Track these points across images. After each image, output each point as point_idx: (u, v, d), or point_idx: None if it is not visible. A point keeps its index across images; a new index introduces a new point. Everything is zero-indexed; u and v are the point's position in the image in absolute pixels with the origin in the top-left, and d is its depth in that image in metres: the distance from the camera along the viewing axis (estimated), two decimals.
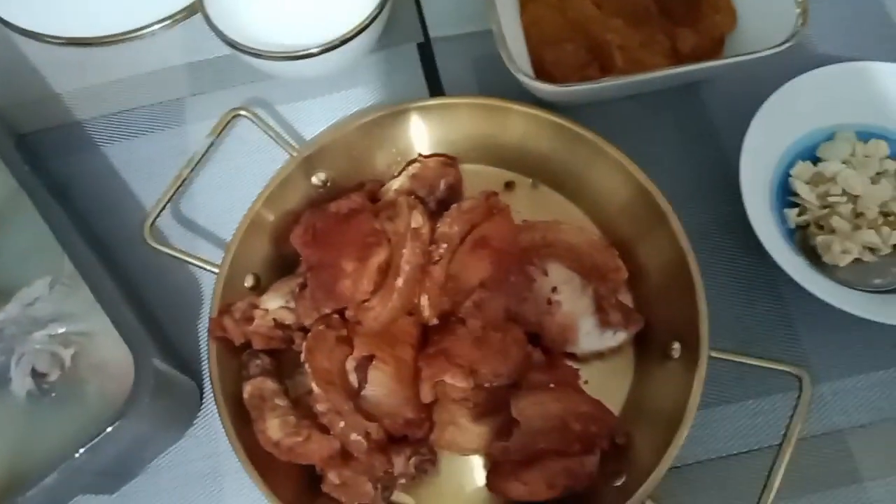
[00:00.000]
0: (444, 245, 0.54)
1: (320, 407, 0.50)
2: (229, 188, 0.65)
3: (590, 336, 0.55)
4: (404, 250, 0.52)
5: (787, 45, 0.55)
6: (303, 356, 0.51)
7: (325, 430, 0.50)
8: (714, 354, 0.51)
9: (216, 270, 0.56)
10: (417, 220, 0.54)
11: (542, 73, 0.64)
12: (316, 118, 0.67)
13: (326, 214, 0.57)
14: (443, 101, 0.62)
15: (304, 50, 0.61)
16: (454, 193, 0.60)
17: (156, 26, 0.71)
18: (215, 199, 0.65)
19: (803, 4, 0.56)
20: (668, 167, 0.63)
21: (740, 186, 0.55)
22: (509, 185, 0.63)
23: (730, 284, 0.59)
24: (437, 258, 0.53)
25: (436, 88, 0.68)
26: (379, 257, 0.53)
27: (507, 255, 0.54)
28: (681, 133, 0.65)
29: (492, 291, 0.53)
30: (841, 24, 0.68)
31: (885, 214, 0.56)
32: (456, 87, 0.68)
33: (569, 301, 0.56)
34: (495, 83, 0.62)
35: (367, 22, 0.62)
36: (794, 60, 0.63)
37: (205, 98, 0.68)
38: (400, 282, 0.52)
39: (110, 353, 0.50)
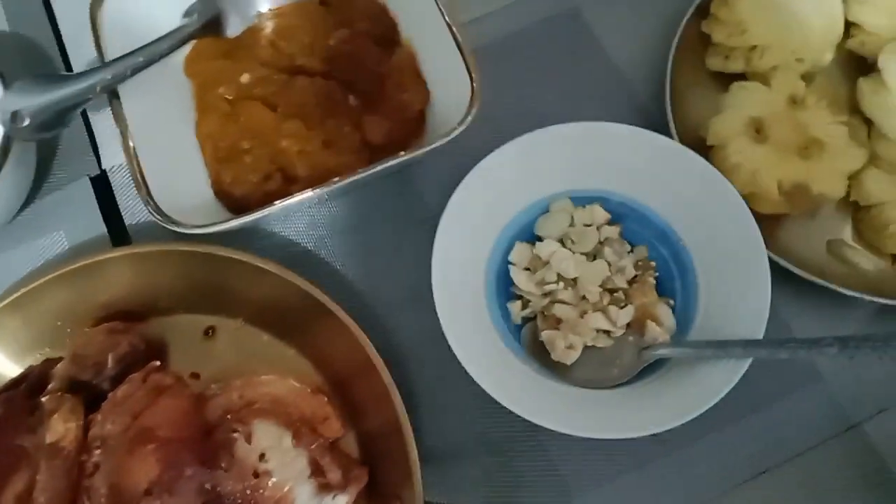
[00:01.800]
0: (99, 450, 0.44)
1: None
2: None
3: None
4: (38, 476, 0.42)
5: (454, 133, 0.49)
6: None
7: None
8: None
9: None
10: (55, 430, 0.44)
11: (223, 194, 0.55)
12: None
13: None
14: (110, 254, 0.52)
15: None
16: (135, 364, 0.50)
17: None
18: None
19: (475, 87, 0.50)
20: (384, 273, 0.56)
21: (433, 291, 0.48)
22: (210, 332, 0.54)
23: (463, 405, 0.52)
24: (91, 469, 0.44)
25: (118, 230, 0.58)
26: (16, 487, 0.43)
27: (179, 442, 0.45)
28: (398, 227, 0.57)
29: (160, 496, 0.43)
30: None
31: (611, 291, 0.50)
32: (141, 221, 0.58)
33: (280, 468, 0.47)
34: None
35: None
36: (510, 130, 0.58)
37: None
38: None
39: None
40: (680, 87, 0.57)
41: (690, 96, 0.58)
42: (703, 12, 0.60)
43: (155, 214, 0.48)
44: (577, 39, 0.63)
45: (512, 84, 0.62)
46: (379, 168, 0.50)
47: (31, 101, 0.48)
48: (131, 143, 0.50)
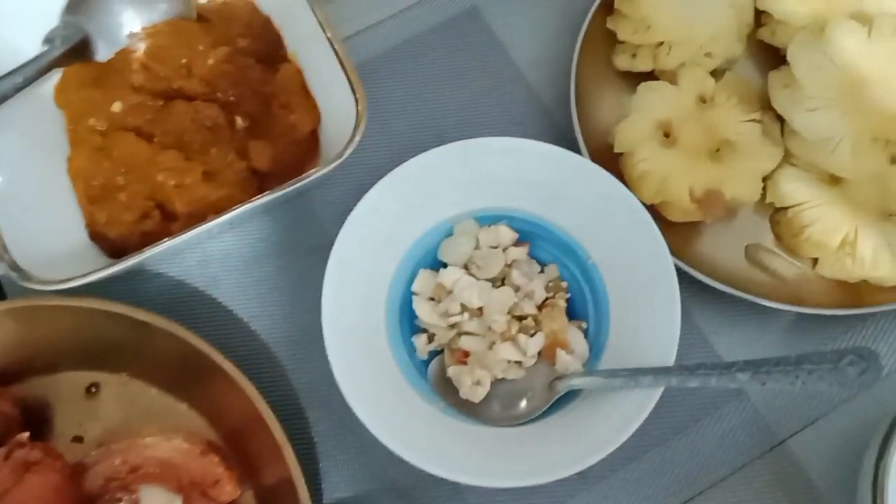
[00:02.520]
0: None
1: None
2: None
3: None
4: None
5: (341, 158, 0.45)
6: None
7: None
8: None
9: None
10: None
11: (98, 237, 0.50)
12: None
13: None
14: None
15: None
16: (9, 432, 0.46)
17: None
18: None
19: (359, 108, 0.46)
20: (282, 309, 0.52)
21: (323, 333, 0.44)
22: (93, 389, 0.49)
23: (371, 450, 0.47)
24: None
25: None
26: None
27: None
28: (296, 256, 0.53)
29: None
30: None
31: (520, 318, 0.47)
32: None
33: None
34: None
35: None
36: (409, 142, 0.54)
37: None
38: None
39: None
40: (587, 89, 0.54)
41: (598, 99, 0.55)
42: (608, 8, 0.57)
43: (9, 270, 0.43)
44: (477, 42, 0.59)
45: (412, 94, 0.58)
46: (258, 202, 0.45)
47: None
48: None
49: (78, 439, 0.48)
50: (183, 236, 0.45)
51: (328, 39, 0.48)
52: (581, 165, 0.47)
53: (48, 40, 0.53)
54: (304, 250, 0.53)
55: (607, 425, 0.41)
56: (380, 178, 0.47)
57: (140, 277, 0.52)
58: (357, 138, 0.46)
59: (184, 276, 0.53)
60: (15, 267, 0.43)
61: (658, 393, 0.41)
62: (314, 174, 0.46)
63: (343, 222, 0.53)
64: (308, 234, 0.54)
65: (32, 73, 0.50)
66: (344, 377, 0.43)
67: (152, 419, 0.48)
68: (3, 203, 0.47)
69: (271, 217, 0.54)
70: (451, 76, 0.58)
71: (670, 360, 0.42)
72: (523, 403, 0.45)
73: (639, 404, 0.41)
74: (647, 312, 0.44)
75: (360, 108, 0.47)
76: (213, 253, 0.54)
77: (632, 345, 0.44)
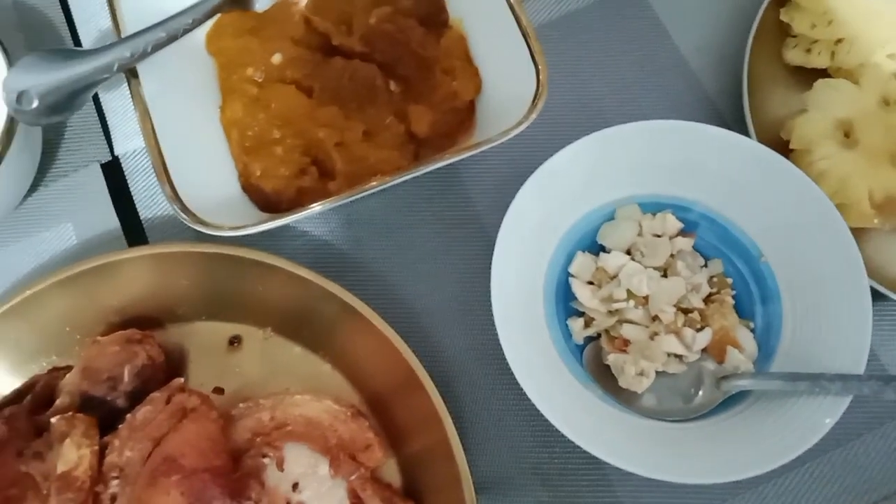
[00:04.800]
0: (116, 481, 0.39)
1: None
2: None
3: None
4: None
5: (519, 129, 0.43)
6: None
7: None
8: None
9: None
10: (68, 457, 0.39)
11: (251, 188, 0.50)
12: None
13: None
14: (128, 254, 0.47)
15: None
16: (153, 378, 0.45)
17: None
18: None
19: (541, 78, 0.44)
20: (428, 280, 0.51)
21: (492, 307, 0.42)
22: (235, 341, 0.49)
23: (515, 431, 0.47)
24: (107, 502, 0.39)
25: (131, 223, 0.53)
26: None
27: (207, 473, 0.40)
28: (441, 228, 0.52)
29: None
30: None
31: (686, 311, 0.45)
32: (159, 214, 0.53)
33: (315, 499, 0.43)
34: None
35: None
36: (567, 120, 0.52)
37: None
38: None
39: None
40: (756, 81, 0.52)
41: (766, 92, 0.53)
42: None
43: (181, 214, 0.42)
44: (637, 23, 0.57)
45: (566, 71, 0.56)
46: (430, 167, 0.44)
47: (40, 79, 0.42)
48: (153, 129, 0.44)
49: (219, 390, 0.47)
50: (352, 196, 0.44)
51: (510, 6, 0.47)
52: (768, 159, 0.45)
53: None
54: (451, 222, 0.52)
55: (790, 430, 0.39)
56: (531, 155, 0.46)
57: (285, 235, 0.52)
58: (535, 114, 0.44)
59: (328, 236, 0.52)
60: (186, 211, 0.43)
61: (846, 401, 0.39)
62: (487, 143, 0.44)
63: (490, 196, 0.53)
64: (455, 206, 0.53)
65: (201, 14, 0.49)
66: (511, 351, 0.41)
67: (293, 377, 0.47)
68: (164, 146, 0.46)
69: (418, 184, 0.53)
70: (608, 56, 0.56)
71: (860, 368, 0.40)
72: (687, 400, 0.43)
73: (821, 414, 0.39)
74: (833, 318, 0.42)
75: (541, 77, 0.45)
76: (357, 216, 0.53)
77: (811, 350, 0.42)
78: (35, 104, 0.42)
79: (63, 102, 0.43)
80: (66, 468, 0.38)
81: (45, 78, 0.42)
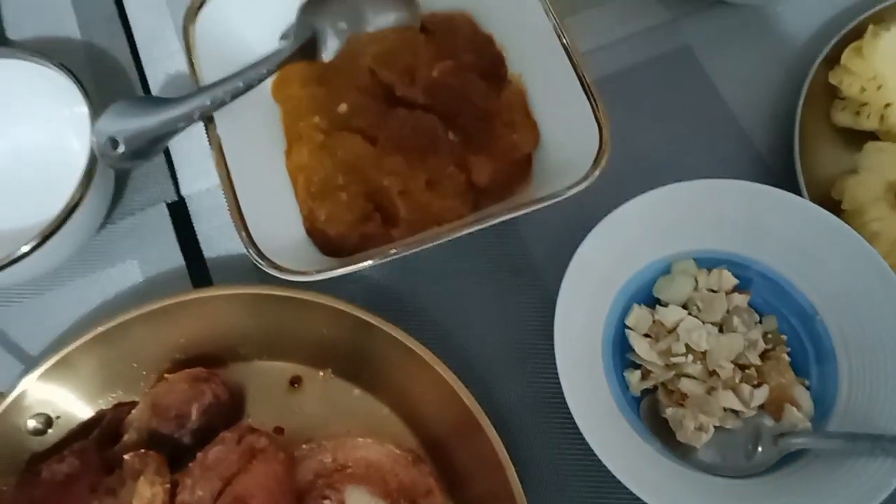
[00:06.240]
0: None
1: None
2: None
3: None
4: None
5: (584, 184, 0.45)
6: None
7: None
8: None
9: None
10: (142, 495, 0.40)
11: (316, 232, 0.51)
12: (41, 326, 0.52)
13: (38, 485, 0.42)
14: (196, 294, 0.48)
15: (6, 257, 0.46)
16: (218, 415, 0.46)
17: None
18: None
19: (604, 136, 0.46)
20: (484, 327, 0.52)
21: (556, 356, 0.43)
22: (296, 382, 0.50)
23: (570, 480, 0.48)
24: None
25: (195, 262, 0.54)
26: None
27: None
28: (498, 276, 0.53)
29: None
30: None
31: (742, 367, 0.46)
32: (222, 254, 0.54)
33: None
34: None
35: (76, 200, 0.48)
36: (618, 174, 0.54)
37: None
38: None
39: None
40: (805, 140, 0.53)
41: (816, 152, 0.54)
42: (829, 62, 0.56)
43: (257, 259, 0.44)
44: (688, 80, 0.59)
45: (617, 125, 0.57)
46: (498, 219, 0.45)
47: (128, 125, 0.44)
48: (229, 174, 0.46)
49: (279, 430, 0.48)
50: (423, 244, 0.45)
51: (573, 64, 0.48)
52: (825, 220, 0.46)
53: (284, 37, 0.54)
54: (507, 271, 0.53)
55: (852, 489, 0.40)
56: (582, 207, 0.47)
57: (345, 277, 0.53)
58: (602, 164, 0.46)
59: (386, 280, 0.53)
60: (262, 256, 0.44)
61: None
62: (554, 197, 0.45)
63: (545, 245, 0.54)
64: (512, 255, 0.54)
65: (274, 65, 0.51)
66: (573, 400, 0.42)
67: (352, 419, 0.48)
68: (240, 191, 0.47)
69: (477, 233, 0.54)
70: (658, 112, 0.58)
71: None
72: (745, 457, 0.44)
73: (882, 475, 0.40)
74: (891, 378, 0.43)
75: (604, 135, 0.46)
76: (416, 261, 0.53)
77: (869, 410, 0.43)
78: (122, 149, 0.44)
79: (145, 148, 0.45)
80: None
81: (132, 124, 0.44)
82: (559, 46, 0.49)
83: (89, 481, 0.42)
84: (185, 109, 0.45)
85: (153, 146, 0.45)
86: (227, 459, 0.41)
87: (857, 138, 0.54)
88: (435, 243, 0.45)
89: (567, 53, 0.49)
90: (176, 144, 0.57)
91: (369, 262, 0.45)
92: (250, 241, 0.44)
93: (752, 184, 0.47)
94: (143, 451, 0.42)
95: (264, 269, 0.44)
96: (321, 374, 0.50)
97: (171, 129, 0.45)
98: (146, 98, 0.46)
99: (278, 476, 0.42)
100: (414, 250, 0.45)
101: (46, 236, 0.47)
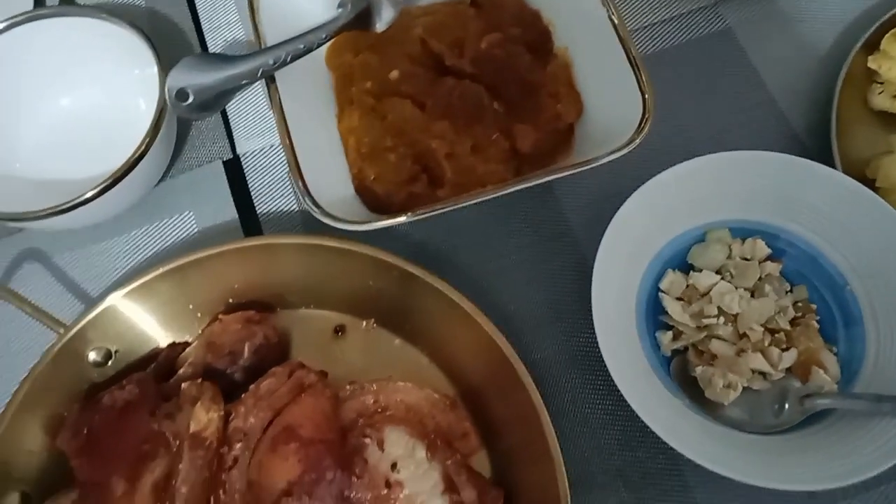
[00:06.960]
0: (239, 444, 0.43)
1: None
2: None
3: None
4: (180, 465, 0.41)
5: (626, 149, 0.47)
6: None
7: None
8: None
9: None
10: (199, 419, 0.42)
11: (364, 190, 0.54)
12: (100, 269, 0.56)
13: (99, 410, 0.45)
14: (252, 242, 0.51)
15: (72, 200, 0.50)
16: (268, 356, 0.49)
17: None
18: None
19: (648, 103, 0.48)
20: (521, 287, 0.54)
21: (592, 313, 0.45)
22: (340, 330, 0.52)
23: (599, 433, 0.50)
24: (230, 463, 0.42)
25: (248, 216, 0.57)
26: (154, 474, 0.42)
27: (322, 444, 0.43)
28: (536, 240, 0.56)
29: (300, 498, 0.42)
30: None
31: (772, 331, 0.48)
32: (273, 210, 0.57)
33: (412, 480, 0.46)
34: None
35: (142, 150, 0.51)
36: (657, 148, 0.56)
37: None
38: None
39: None
40: (841, 122, 0.55)
41: (852, 133, 0.55)
42: (868, 47, 0.57)
43: (312, 207, 0.46)
44: (729, 62, 0.61)
45: (658, 105, 0.59)
46: (539, 181, 0.48)
47: (197, 79, 0.47)
48: (288, 130, 0.49)
49: (323, 374, 0.50)
50: (464, 201, 0.47)
51: (619, 37, 0.50)
52: (858, 192, 0.47)
53: (342, 5, 0.57)
54: (544, 235, 0.56)
55: (874, 447, 0.41)
56: (619, 178, 0.49)
57: (391, 234, 0.55)
58: (646, 131, 0.47)
59: (428, 239, 0.56)
60: (317, 205, 0.47)
61: None
62: (595, 161, 0.47)
63: (582, 212, 0.56)
64: (549, 221, 0.56)
65: (332, 31, 0.54)
66: (609, 356, 0.44)
67: (393, 367, 0.50)
68: (296, 146, 0.50)
69: (515, 198, 0.56)
70: (698, 92, 0.60)
71: None
72: (771, 415, 0.46)
73: None
74: None
75: (648, 103, 0.48)
76: (459, 223, 0.56)
77: (894, 375, 0.44)
78: (190, 100, 0.46)
79: (211, 101, 0.48)
80: (198, 428, 0.42)
81: (201, 78, 0.47)
82: (607, 22, 0.51)
83: (148, 407, 0.45)
84: (250, 66, 0.48)
85: (219, 100, 0.48)
86: (277, 391, 0.44)
87: (893, 121, 0.56)
88: (478, 199, 0.47)
89: (614, 27, 0.51)
90: (233, 107, 0.60)
91: (416, 216, 0.47)
92: (306, 191, 0.47)
93: (789, 156, 0.48)
94: (199, 380, 0.45)
95: (318, 217, 0.46)
96: (364, 323, 0.52)
97: (236, 85, 0.48)
98: (214, 55, 0.48)
99: (325, 411, 0.45)
100: (459, 205, 0.47)
101: (113, 181, 0.50)
